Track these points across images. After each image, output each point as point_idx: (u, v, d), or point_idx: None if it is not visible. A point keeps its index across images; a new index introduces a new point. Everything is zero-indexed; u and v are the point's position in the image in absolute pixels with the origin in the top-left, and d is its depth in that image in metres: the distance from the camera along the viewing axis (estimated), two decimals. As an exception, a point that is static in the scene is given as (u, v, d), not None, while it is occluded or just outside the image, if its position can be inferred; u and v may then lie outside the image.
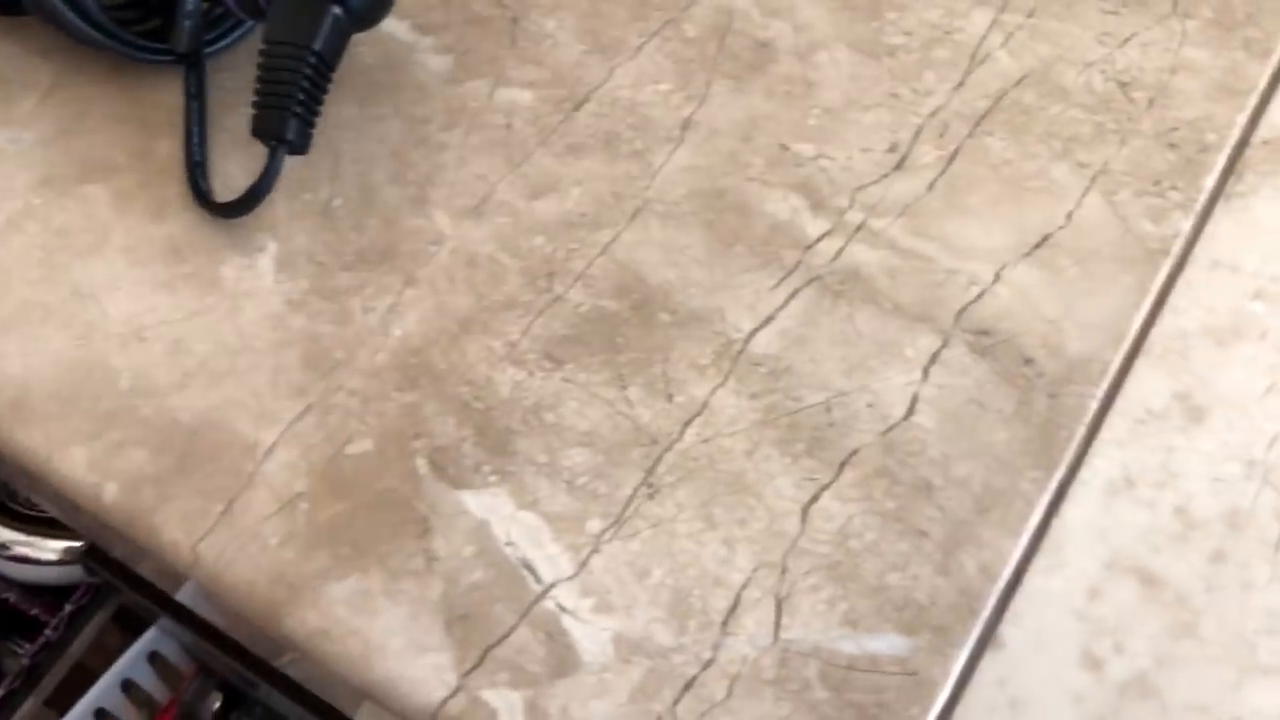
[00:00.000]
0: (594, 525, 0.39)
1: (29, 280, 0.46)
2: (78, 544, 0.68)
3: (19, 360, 0.44)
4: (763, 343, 0.42)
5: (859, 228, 0.44)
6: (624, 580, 0.37)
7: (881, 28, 0.49)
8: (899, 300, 0.42)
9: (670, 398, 0.41)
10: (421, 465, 0.40)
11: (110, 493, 0.41)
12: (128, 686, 0.64)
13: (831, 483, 0.39)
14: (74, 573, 0.67)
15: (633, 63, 0.50)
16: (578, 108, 0.49)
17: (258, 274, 0.45)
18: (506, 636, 0.37)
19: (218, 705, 0.63)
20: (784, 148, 0.47)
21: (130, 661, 0.63)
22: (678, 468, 0.39)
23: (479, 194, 0.47)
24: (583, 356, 0.42)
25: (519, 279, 0.44)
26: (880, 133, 0.46)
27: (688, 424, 0.40)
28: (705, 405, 0.40)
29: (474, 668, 0.36)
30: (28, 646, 0.67)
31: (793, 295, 0.43)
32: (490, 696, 0.36)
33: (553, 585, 0.37)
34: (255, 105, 0.44)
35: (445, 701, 0.36)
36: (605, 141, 0.47)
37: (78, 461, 0.42)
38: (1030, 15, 0.49)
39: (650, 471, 0.39)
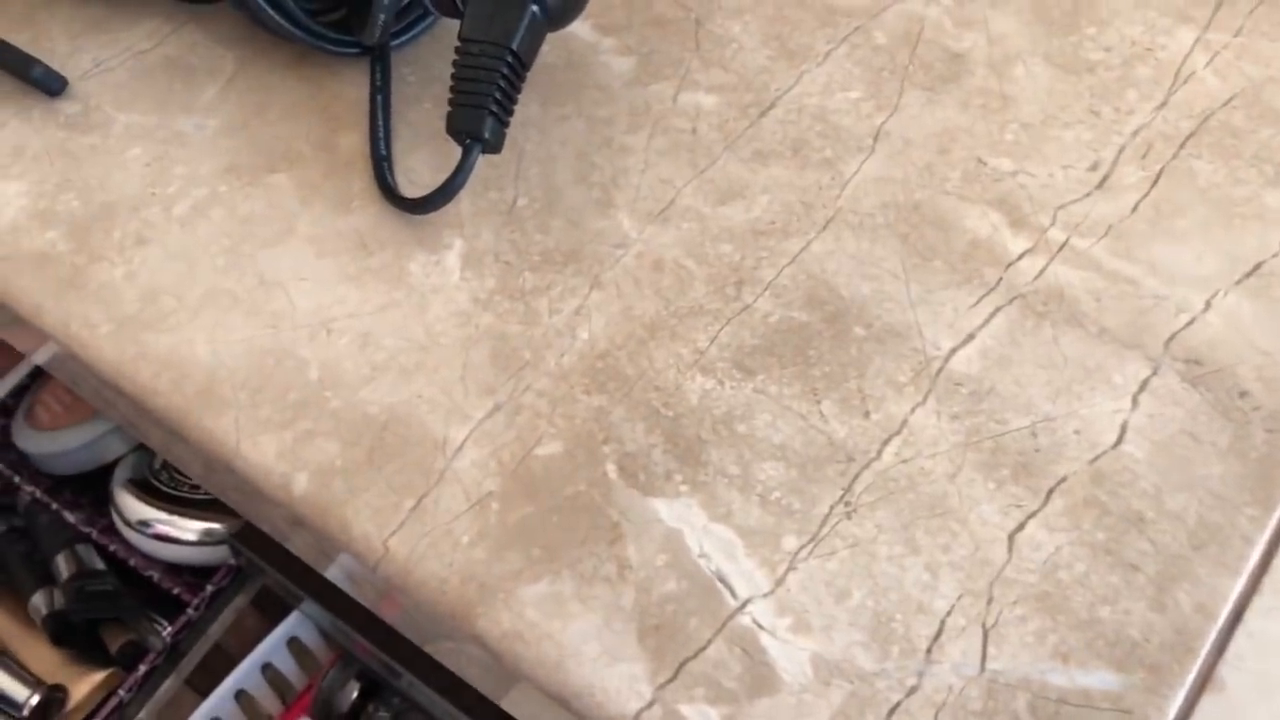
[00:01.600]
0: (789, 542, 0.38)
1: (216, 267, 0.47)
2: (217, 526, 0.69)
3: (207, 347, 0.44)
4: (963, 362, 0.41)
5: (1062, 247, 0.43)
6: (822, 600, 0.37)
7: (1080, 42, 0.48)
8: (1105, 324, 0.41)
9: (867, 415, 0.40)
10: (611, 470, 0.40)
11: (300, 483, 0.41)
12: (267, 670, 0.64)
13: (1039, 510, 0.37)
14: (213, 554, 0.68)
15: (820, 69, 0.49)
16: (764, 113, 0.48)
17: (444, 271, 0.45)
18: (702, 650, 0.36)
19: (355, 694, 0.63)
20: (981, 162, 0.45)
21: (271, 646, 0.64)
22: (876, 487, 0.38)
23: (664, 198, 0.46)
24: (774, 368, 0.41)
25: (706, 286, 0.44)
26: (1081, 150, 0.45)
27: (886, 443, 0.39)
28: (904, 424, 0.40)
29: (669, 680, 0.36)
30: (168, 625, 0.68)
31: (994, 314, 0.42)
32: (687, 711, 0.35)
33: (748, 601, 0.37)
34: (452, 103, 0.44)
35: (640, 714, 0.35)
36: (793, 149, 0.47)
37: (267, 451, 0.42)
38: (1237, 34, 0.47)
39: (848, 490, 0.38)
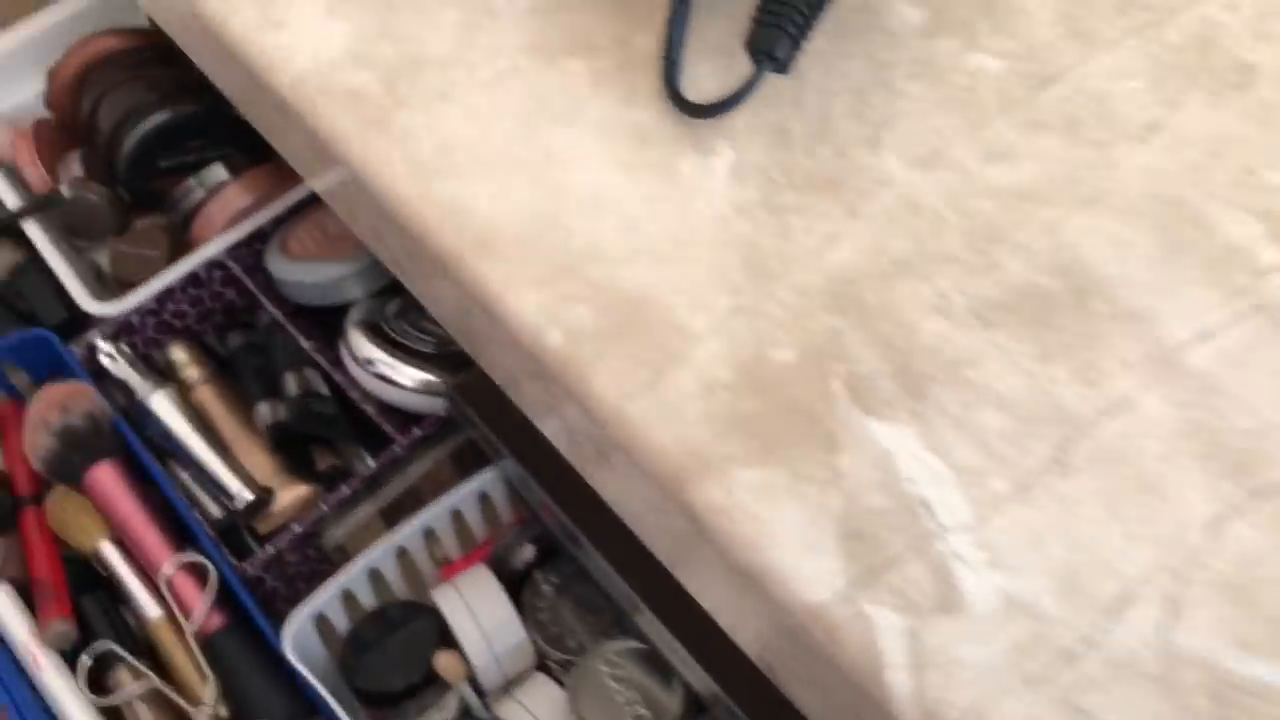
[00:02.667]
0: (998, 485, 0.40)
1: (507, 134, 0.51)
2: (433, 378, 0.74)
3: (488, 202, 0.49)
4: (1198, 357, 0.42)
5: (1322, 268, 0.43)
6: (1019, 544, 0.39)
7: (1383, 73, 0.48)
8: (1351, 349, 0.41)
9: (1094, 385, 0.41)
10: (837, 386, 0.43)
11: (554, 338, 0.45)
12: (455, 516, 0.70)
13: (1246, 507, 0.39)
14: (425, 403, 0.73)
15: (1108, 55, 0.50)
16: (1044, 86, 0.49)
17: (712, 175, 0.48)
18: (896, 563, 0.39)
19: (531, 556, 0.68)
20: (1251, 172, 0.46)
21: (463, 495, 0.69)
22: (1091, 454, 0.40)
23: (933, 147, 0.48)
24: (1012, 325, 0.43)
25: (959, 237, 0.46)
26: (1361, 178, 0.45)
27: (1108, 414, 0.41)
28: (1129, 401, 0.41)
29: (860, 582, 0.39)
30: (371, 458, 0.74)
31: (1236, 319, 0.42)
32: (873, 612, 0.38)
33: (949, 530, 0.39)
34: (755, 20, 0.47)
35: (828, 604, 0.38)
36: (1067, 124, 0.48)
37: (528, 303, 0.46)
38: None
39: (1063, 450, 0.40)
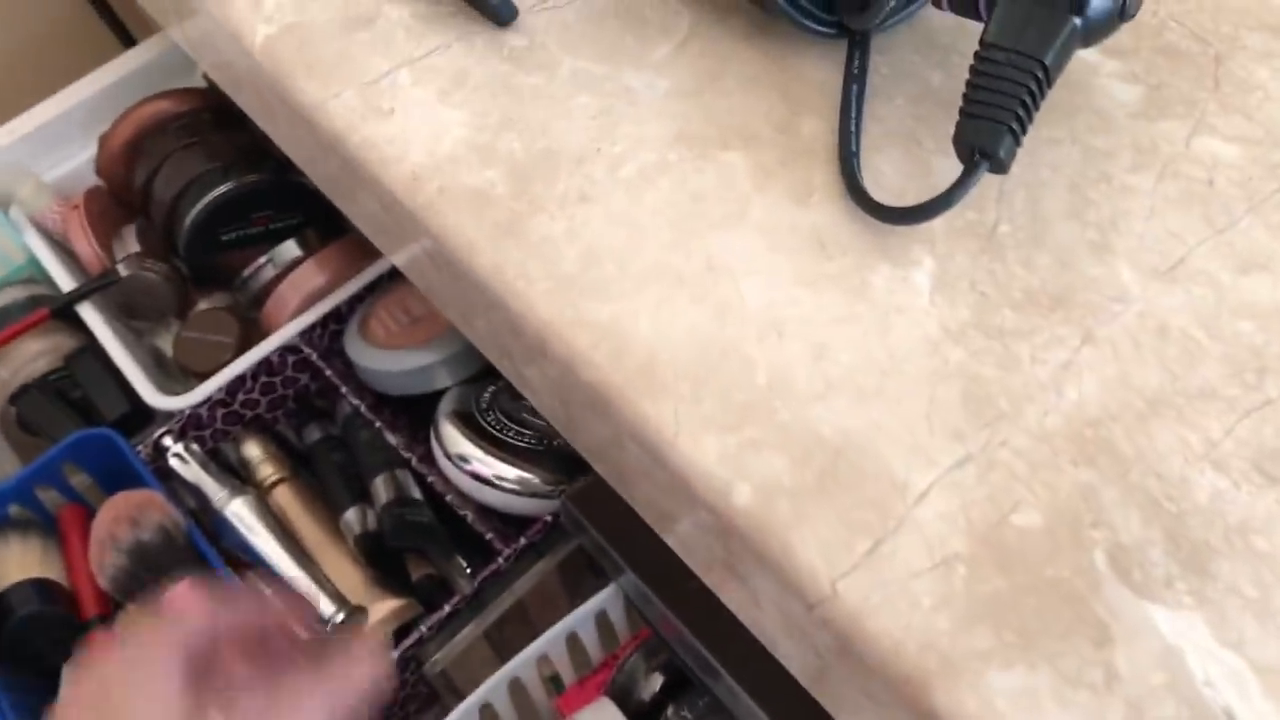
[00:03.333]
0: (1315, 690, 0.33)
1: (662, 241, 0.44)
2: (534, 478, 0.67)
3: (649, 323, 0.42)
4: None
5: None
6: (1357, 770, 0.31)
7: None
8: None
9: None
10: (1100, 560, 0.35)
11: (743, 495, 0.38)
12: (570, 638, 0.63)
13: None
14: (527, 504, 0.67)
15: (1369, 137, 0.43)
16: (1297, 177, 0.42)
17: (912, 290, 0.41)
18: (1204, 796, 0.32)
19: (659, 687, 0.61)
20: None
21: (580, 617, 0.62)
22: None
23: (1173, 255, 0.41)
24: (1303, 480, 0.36)
25: (1220, 366, 0.38)
26: None
27: None
28: None
29: (1161, 821, 0.31)
30: (468, 568, 0.67)
31: None
32: None
33: (1266, 751, 0.32)
34: (964, 112, 0.40)
35: None
36: (1333, 225, 0.41)
37: (708, 451, 0.39)
38: None
39: (1391, 643, 0.33)
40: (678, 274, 0.43)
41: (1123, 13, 0.40)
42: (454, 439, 0.68)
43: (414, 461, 0.69)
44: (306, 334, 0.74)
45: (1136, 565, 0.35)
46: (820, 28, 0.47)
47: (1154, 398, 0.38)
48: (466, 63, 0.50)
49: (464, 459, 0.68)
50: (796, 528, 0.37)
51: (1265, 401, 0.38)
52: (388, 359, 0.71)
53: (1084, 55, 0.46)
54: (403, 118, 0.49)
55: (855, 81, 0.46)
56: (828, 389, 0.40)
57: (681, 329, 0.42)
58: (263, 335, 0.75)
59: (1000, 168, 0.40)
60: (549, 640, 0.61)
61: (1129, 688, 0.33)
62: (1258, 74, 0.45)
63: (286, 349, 0.74)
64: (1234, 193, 0.42)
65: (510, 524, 0.67)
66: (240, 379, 0.74)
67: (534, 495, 0.67)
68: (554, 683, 0.66)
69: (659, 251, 0.44)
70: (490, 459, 0.68)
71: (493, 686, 0.60)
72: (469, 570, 0.68)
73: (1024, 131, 0.40)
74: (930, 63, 0.47)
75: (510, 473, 0.67)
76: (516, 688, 0.62)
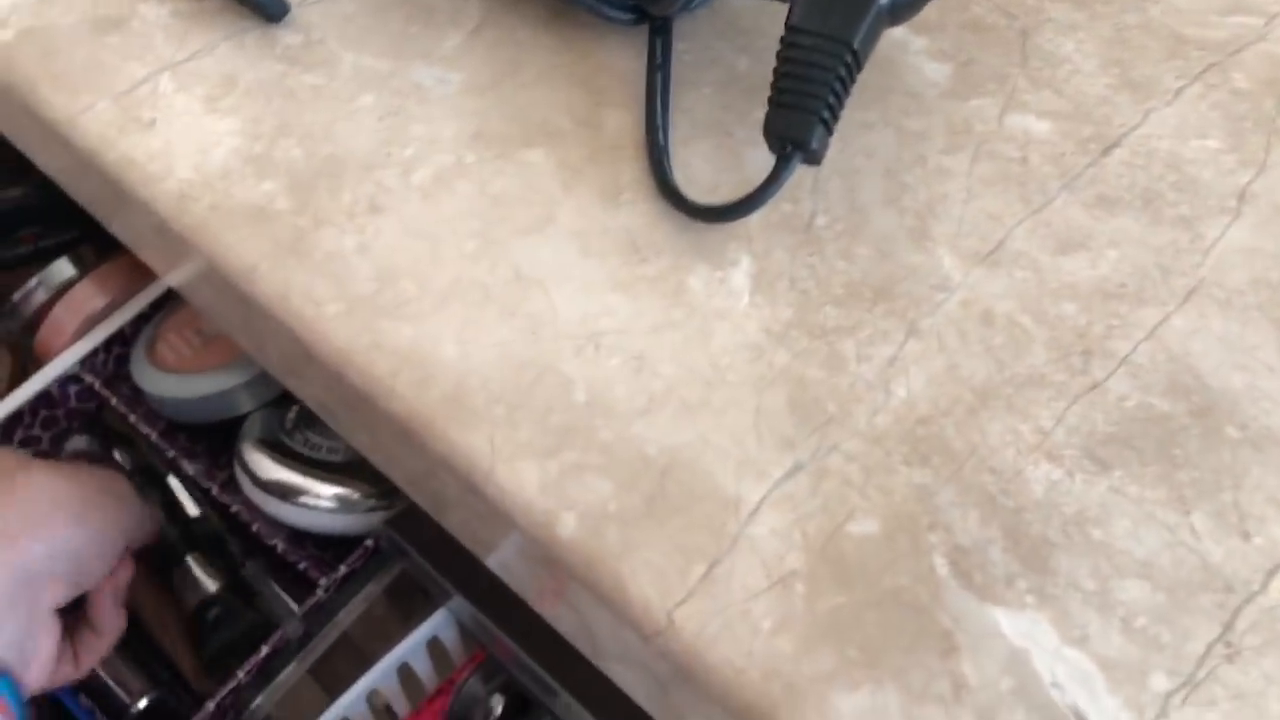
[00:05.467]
0: (1159, 682, 0.32)
1: (464, 252, 0.40)
2: (352, 493, 0.63)
3: (455, 346, 0.38)
4: (1361, 488, 0.35)
5: None
6: (1205, 762, 0.31)
7: None
8: None
9: (1247, 536, 0.34)
10: (941, 565, 0.34)
11: (568, 526, 0.35)
12: (401, 668, 0.59)
13: None
14: (348, 523, 0.62)
15: (1170, 109, 0.43)
16: (1106, 152, 0.42)
17: (731, 292, 0.39)
18: (1060, 805, 0.31)
19: (499, 711, 0.58)
20: (1363, 243, 0.39)
21: (411, 646, 0.58)
22: (1262, 627, 0.33)
23: (992, 238, 0.40)
24: (1133, 464, 0.35)
25: (1047, 352, 0.38)
26: None
27: (1272, 574, 0.33)
28: (1296, 555, 0.34)
29: (1019, 836, 0.30)
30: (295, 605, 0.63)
31: (1392, 433, 0.36)
32: None
33: (1117, 752, 0.31)
34: (773, 102, 0.38)
35: None
36: (1144, 199, 0.40)
37: (528, 480, 0.36)
38: None
39: (1227, 627, 0.33)
40: (483, 287, 0.40)
41: (927, -10, 0.38)
42: (262, 464, 0.63)
43: (215, 491, 0.64)
44: (88, 360, 0.68)
45: (977, 567, 0.34)
46: (618, 13, 0.44)
47: (983, 389, 0.37)
48: (236, 64, 0.46)
49: (274, 484, 0.63)
50: (627, 557, 0.35)
51: (1092, 385, 0.37)
52: (179, 384, 0.66)
53: (892, 32, 0.45)
54: (166, 129, 0.44)
55: (659, 70, 0.43)
56: (650, 404, 0.37)
57: (491, 348, 0.38)
58: (39, 365, 0.68)
59: (814, 159, 0.38)
60: (380, 673, 0.57)
61: (978, 696, 0.32)
62: (1064, 47, 0.44)
63: (68, 378, 0.68)
64: (1048, 169, 0.41)
65: (327, 550, 0.63)
66: (18, 415, 0.66)
67: (353, 511, 0.62)
68: (389, 714, 0.62)
69: (461, 263, 0.40)
70: (303, 479, 0.63)
71: (321, 731, 0.56)
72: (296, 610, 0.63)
73: (835, 119, 0.38)
74: (735, 47, 0.45)
75: (326, 490, 0.62)
76: (348, 728, 0.58)
